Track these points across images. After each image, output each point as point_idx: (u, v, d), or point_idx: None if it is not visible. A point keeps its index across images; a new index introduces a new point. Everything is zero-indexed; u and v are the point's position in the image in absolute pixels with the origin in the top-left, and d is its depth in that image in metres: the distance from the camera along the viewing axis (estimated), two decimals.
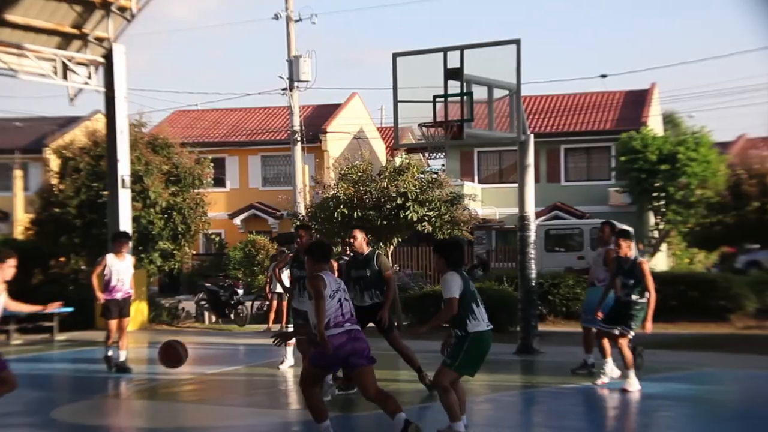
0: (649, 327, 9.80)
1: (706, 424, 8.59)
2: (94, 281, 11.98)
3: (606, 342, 10.09)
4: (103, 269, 11.92)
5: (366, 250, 9.77)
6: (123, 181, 17.96)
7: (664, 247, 29.85)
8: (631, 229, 11.10)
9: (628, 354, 9.77)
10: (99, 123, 22.79)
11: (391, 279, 9.56)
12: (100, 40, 17.88)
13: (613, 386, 10.07)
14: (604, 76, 30.51)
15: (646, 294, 9.87)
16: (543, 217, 29.54)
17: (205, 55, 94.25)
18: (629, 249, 10.01)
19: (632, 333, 9.87)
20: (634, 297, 9.85)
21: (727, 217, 25.38)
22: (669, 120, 41.33)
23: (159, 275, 23.52)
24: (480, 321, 7.13)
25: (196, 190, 21.25)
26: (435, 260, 7.43)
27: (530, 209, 13.61)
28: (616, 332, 9.81)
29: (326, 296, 6.83)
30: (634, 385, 9.68)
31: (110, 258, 12.01)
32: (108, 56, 17.85)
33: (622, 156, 28.57)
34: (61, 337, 16.50)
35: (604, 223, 11.67)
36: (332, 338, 6.81)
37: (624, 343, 9.80)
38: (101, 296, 11.87)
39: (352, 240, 9.83)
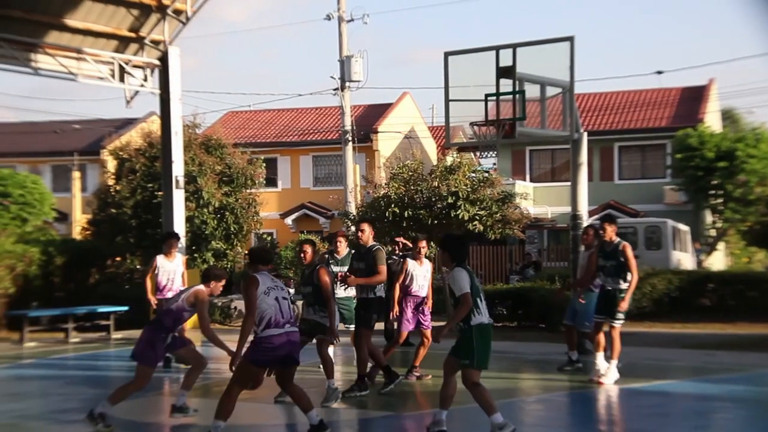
0: (624, 306, 10.08)
1: (765, 428, 8.39)
2: (148, 283, 12.20)
3: (601, 336, 10.29)
4: (155, 270, 12.13)
5: (369, 243, 9.99)
6: (177, 181, 18.22)
7: (721, 246, 29.26)
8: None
9: (617, 345, 10.06)
10: (154, 125, 23.19)
11: (381, 273, 9.77)
12: (155, 43, 18.17)
13: (667, 388, 9.91)
14: (660, 72, 29.89)
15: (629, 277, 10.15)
16: (596, 216, 29.15)
17: (257, 55, 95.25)
18: (613, 233, 10.29)
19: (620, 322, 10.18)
20: (622, 285, 10.10)
21: None
22: (728, 116, 40.48)
23: None
24: (482, 314, 7.25)
25: (248, 190, 21.45)
26: (440, 254, 7.61)
27: (583, 208, 13.48)
28: (614, 323, 10.11)
29: (259, 293, 7.10)
30: (612, 377, 9.96)
31: (160, 259, 12.22)
32: (163, 59, 18.13)
33: (678, 153, 28.08)
34: (117, 335, 16.82)
35: (588, 227, 11.70)
36: (272, 338, 7.12)
37: (615, 334, 10.07)
38: (153, 298, 12.10)
39: (360, 233, 10.03)
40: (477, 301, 7.20)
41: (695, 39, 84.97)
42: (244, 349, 7.27)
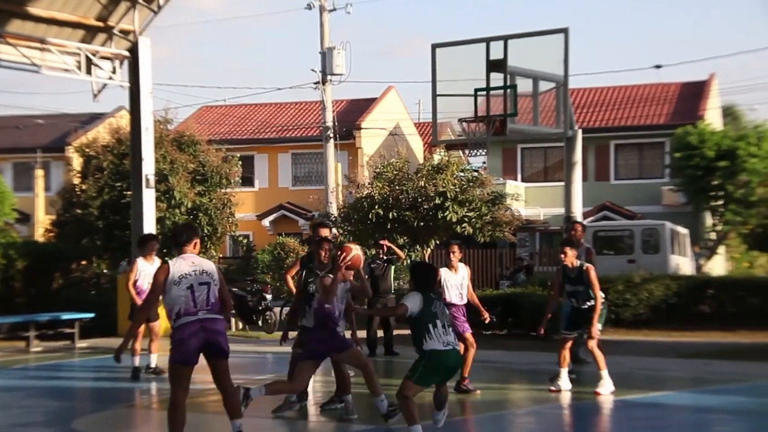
0: (595, 332, 10.27)
1: None
2: (131, 290, 12.12)
3: (566, 352, 10.41)
4: (136, 274, 12.10)
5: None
6: (147, 180, 18.16)
7: (721, 249, 29.45)
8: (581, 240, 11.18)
9: (599, 355, 10.16)
10: (123, 120, 23.13)
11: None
12: (125, 33, 18.10)
13: (664, 400, 9.97)
14: (658, 66, 30.32)
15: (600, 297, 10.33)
16: (591, 218, 29.29)
17: (233, 47, 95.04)
18: (574, 257, 10.37)
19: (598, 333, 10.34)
20: (590, 303, 10.28)
21: None
22: (729, 113, 40.75)
23: None
24: (435, 340, 7.52)
25: (223, 190, 21.41)
26: (409, 279, 8.02)
27: (577, 209, 13.55)
28: (585, 335, 10.31)
29: (168, 283, 7.07)
30: (608, 387, 10.06)
31: (141, 262, 12.19)
32: (133, 50, 18.06)
33: (676, 152, 28.23)
34: (82, 344, 16.72)
35: (576, 222, 11.92)
36: (183, 328, 7.10)
37: (593, 345, 10.21)
38: (140, 301, 12.07)
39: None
40: (429, 327, 7.53)
41: (696, 31, 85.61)
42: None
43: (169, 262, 7.32)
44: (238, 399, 7.62)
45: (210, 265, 7.32)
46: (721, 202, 27.67)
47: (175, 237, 7.47)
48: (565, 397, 10.52)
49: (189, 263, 7.21)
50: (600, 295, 10.36)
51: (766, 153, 26.90)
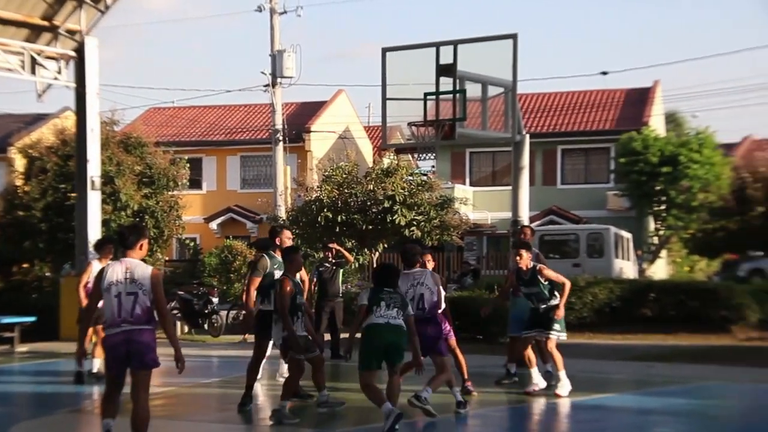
0: (561, 313, 10.38)
1: None
2: (81, 292, 11.87)
3: (530, 351, 10.48)
4: (88, 277, 11.83)
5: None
6: (93, 182, 17.89)
7: (664, 253, 29.96)
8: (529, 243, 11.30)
9: (557, 356, 10.27)
10: (68, 121, 22.73)
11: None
12: (71, 32, 17.81)
13: (607, 402, 10.09)
14: (604, 73, 30.50)
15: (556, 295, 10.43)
16: (538, 222, 29.56)
17: (182, 49, 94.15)
18: (529, 260, 10.42)
19: (559, 335, 10.40)
20: (553, 302, 10.36)
21: (730, 223, 25.57)
22: (672, 120, 41.51)
23: None
24: (374, 316, 8.20)
25: (170, 193, 21.19)
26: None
27: (524, 213, 13.67)
28: (545, 336, 10.37)
29: (102, 289, 7.01)
30: (566, 388, 10.18)
31: (95, 264, 11.93)
32: (79, 50, 17.79)
33: (621, 158, 28.67)
34: (22, 348, 16.38)
35: (525, 226, 12.12)
36: (108, 338, 7.04)
37: (552, 346, 10.32)
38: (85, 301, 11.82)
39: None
40: (373, 308, 8.24)
41: (640, 38, 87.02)
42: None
43: (105, 267, 7.19)
44: (146, 415, 7.07)
45: (144, 273, 7.04)
46: (663, 207, 28.15)
47: (122, 239, 7.26)
48: (510, 400, 10.60)
49: (123, 269, 7.00)
50: (567, 281, 10.43)
51: (707, 159, 27.45)
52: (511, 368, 11.48)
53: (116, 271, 7.00)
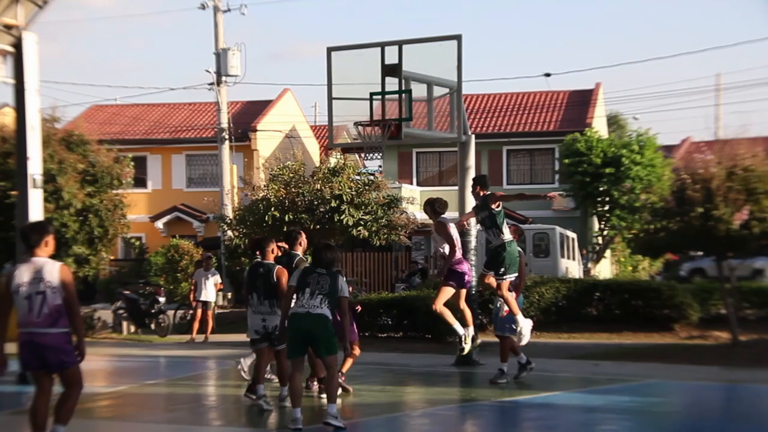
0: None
1: None
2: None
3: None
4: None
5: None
6: (34, 180, 17.49)
7: (608, 253, 30.40)
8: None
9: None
10: (7, 117, 22.21)
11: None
12: (8, 27, 17.38)
13: (554, 400, 10.21)
14: (548, 74, 30.93)
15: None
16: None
17: (125, 45, 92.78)
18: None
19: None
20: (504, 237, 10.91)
21: (671, 223, 25.98)
22: (614, 122, 42.15)
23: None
24: (296, 305, 8.46)
25: (114, 191, 20.86)
26: None
27: None
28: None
29: (12, 290, 6.92)
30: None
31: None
32: (18, 45, 17.36)
33: (565, 158, 29.02)
34: None
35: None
36: (20, 337, 7.03)
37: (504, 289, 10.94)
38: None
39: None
40: (298, 294, 8.46)
41: (583, 41, 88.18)
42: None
43: (12, 269, 7.06)
44: (71, 406, 7.29)
45: (52, 272, 6.92)
46: (607, 208, 28.56)
47: (25, 239, 7.08)
48: (458, 399, 10.66)
49: (31, 270, 6.91)
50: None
51: (648, 161, 27.93)
52: (503, 367, 11.40)
53: (23, 274, 6.92)
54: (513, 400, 10.26)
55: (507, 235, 10.79)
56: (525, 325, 10.71)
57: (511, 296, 10.81)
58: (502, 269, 10.69)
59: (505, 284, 10.74)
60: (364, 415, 9.55)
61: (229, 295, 24.59)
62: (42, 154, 18.14)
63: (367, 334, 15.61)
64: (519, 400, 10.27)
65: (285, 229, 19.35)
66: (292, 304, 8.51)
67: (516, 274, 10.91)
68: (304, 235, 10.52)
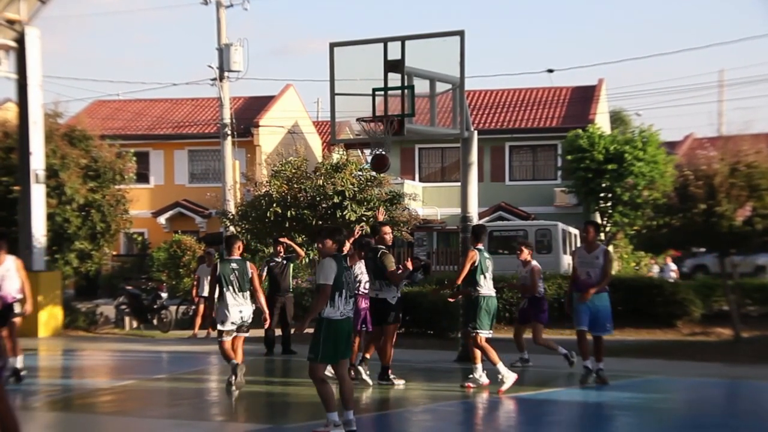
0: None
1: None
2: None
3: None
4: None
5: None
6: (36, 175, 17.55)
7: (610, 249, 30.38)
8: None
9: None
10: (10, 112, 22.24)
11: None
12: (11, 22, 17.42)
13: (556, 396, 10.22)
14: (551, 70, 30.79)
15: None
16: (486, 218, 29.81)
17: (128, 41, 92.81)
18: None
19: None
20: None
21: (674, 220, 26.02)
22: (617, 118, 42.12)
23: (75, 277, 23.05)
24: (336, 309, 7.82)
25: (116, 186, 20.88)
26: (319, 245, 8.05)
27: (473, 209, 13.70)
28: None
29: None
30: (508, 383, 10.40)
31: None
32: (20, 40, 17.42)
33: (568, 155, 29.01)
34: None
35: (589, 223, 11.71)
36: None
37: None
38: None
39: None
40: (335, 295, 7.77)
41: (586, 37, 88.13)
42: None
43: None
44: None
45: None
46: (609, 204, 28.55)
47: None
48: (461, 395, 10.66)
49: None
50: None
51: (651, 157, 27.92)
52: (588, 364, 11.00)
53: None
54: (515, 396, 10.26)
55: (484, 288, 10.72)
56: (509, 377, 10.42)
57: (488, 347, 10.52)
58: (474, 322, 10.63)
59: (480, 338, 10.57)
60: (366, 410, 9.56)
61: None
62: (44, 150, 18.23)
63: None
64: (521, 396, 10.27)
65: (288, 225, 19.44)
66: (329, 308, 7.83)
67: (490, 332, 10.64)
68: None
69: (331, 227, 8.34)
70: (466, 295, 11.06)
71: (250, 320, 10.55)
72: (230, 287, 10.32)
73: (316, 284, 7.88)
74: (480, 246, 10.90)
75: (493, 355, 10.41)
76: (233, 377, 10.21)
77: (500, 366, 10.38)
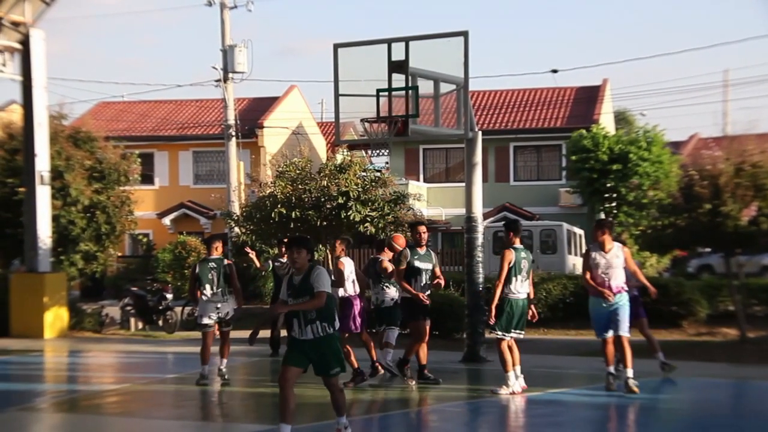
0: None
1: None
2: None
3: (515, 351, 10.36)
4: None
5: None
6: (41, 177, 17.58)
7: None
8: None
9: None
10: (15, 114, 22.29)
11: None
12: (16, 24, 17.45)
13: (561, 397, 10.20)
14: (555, 71, 30.75)
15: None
16: (491, 219, 29.78)
17: (132, 42, 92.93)
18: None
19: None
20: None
21: (679, 220, 26.00)
22: (621, 118, 42.04)
23: (80, 279, 23.08)
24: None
25: (121, 188, 20.90)
26: (298, 255, 7.58)
27: (478, 210, 13.70)
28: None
29: None
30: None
31: None
32: (25, 42, 17.45)
33: (572, 155, 28.97)
34: None
35: (601, 222, 11.06)
36: None
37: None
38: None
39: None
40: (334, 309, 7.69)
41: (590, 37, 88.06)
42: None
43: None
44: None
45: None
46: (614, 204, 28.50)
47: None
48: (467, 395, 10.67)
49: None
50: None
51: (656, 157, 27.85)
52: (612, 368, 10.57)
53: None
54: (521, 396, 10.25)
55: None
56: (512, 387, 10.15)
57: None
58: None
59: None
60: (373, 411, 9.57)
61: None
62: (49, 151, 18.26)
63: (373, 330, 15.62)
64: (527, 396, 10.26)
65: (292, 225, 19.47)
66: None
67: (510, 335, 10.23)
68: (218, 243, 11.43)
69: (301, 237, 8.15)
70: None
71: (228, 317, 11.13)
72: (208, 286, 10.96)
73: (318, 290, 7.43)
74: (517, 243, 10.46)
75: (508, 362, 10.14)
76: (202, 375, 10.98)
77: (510, 374, 10.16)
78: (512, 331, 10.25)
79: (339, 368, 7.63)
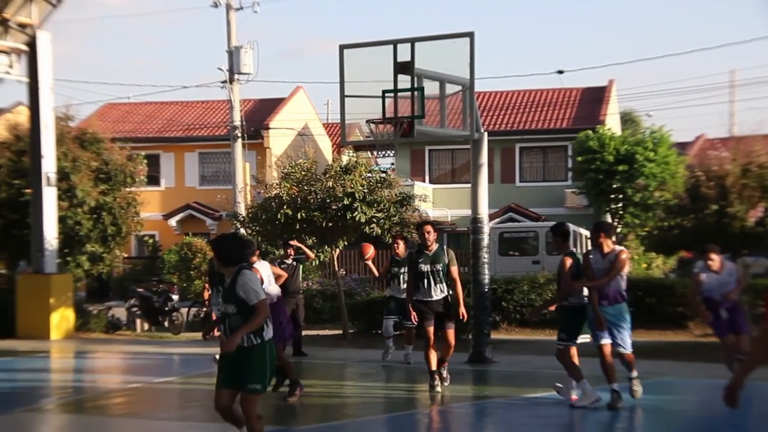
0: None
1: None
2: None
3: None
4: None
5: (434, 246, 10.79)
6: (48, 178, 17.62)
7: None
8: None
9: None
10: (22, 116, 22.35)
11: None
12: (22, 26, 17.50)
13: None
14: (561, 72, 30.73)
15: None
16: (497, 220, 29.76)
17: (138, 44, 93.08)
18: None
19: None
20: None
21: (686, 221, 26.02)
22: (627, 119, 41.99)
23: (86, 280, 23.13)
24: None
25: (127, 189, 20.95)
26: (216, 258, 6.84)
27: (483, 211, 13.69)
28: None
29: None
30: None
31: None
32: (32, 44, 17.50)
33: (578, 156, 28.94)
34: None
35: (599, 225, 10.94)
36: None
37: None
38: None
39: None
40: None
41: (596, 38, 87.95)
42: None
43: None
44: None
45: None
46: (620, 205, 28.47)
47: None
48: (471, 396, 10.65)
49: None
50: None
51: (662, 158, 27.82)
52: (616, 387, 9.87)
53: None
54: (525, 397, 10.25)
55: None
56: (588, 396, 9.61)
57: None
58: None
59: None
60: (377, 412, 9.57)
61: None
62: (56, 152, 18.31)
63: (379, 331, 15.62)
64: (531, 397, 10.25)
65: (298, 227, 19.50)
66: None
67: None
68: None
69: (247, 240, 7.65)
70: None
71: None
72: (212, 288, 10.80)
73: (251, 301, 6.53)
74: (572, 249, 10.06)
75: (576, 369, 9.63)
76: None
77: (585, 382, 9.63)
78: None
79: (259, 386, 6.57)
